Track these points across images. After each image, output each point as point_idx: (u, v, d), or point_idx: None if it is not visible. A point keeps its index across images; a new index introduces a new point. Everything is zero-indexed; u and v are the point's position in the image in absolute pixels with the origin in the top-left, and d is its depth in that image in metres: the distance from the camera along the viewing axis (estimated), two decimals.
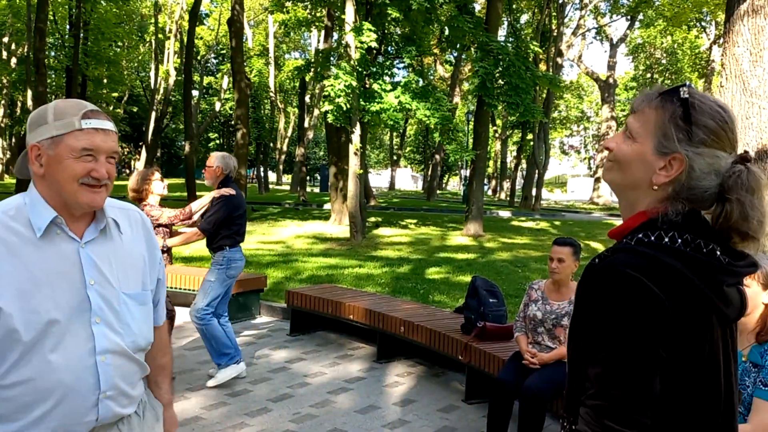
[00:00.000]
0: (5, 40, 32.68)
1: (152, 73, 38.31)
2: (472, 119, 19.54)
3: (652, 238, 1.19)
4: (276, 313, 7.26)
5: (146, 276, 1.67)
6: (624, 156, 1.26)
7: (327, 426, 4.18)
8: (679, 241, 1.18)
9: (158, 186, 4.86)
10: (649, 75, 46.83)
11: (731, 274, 1.19)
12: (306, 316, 6.49)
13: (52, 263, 1.49)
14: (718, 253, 1.18)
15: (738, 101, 7.97)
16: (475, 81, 15.06)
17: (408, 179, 71.07)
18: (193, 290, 7.07)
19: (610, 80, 38.78)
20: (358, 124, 13.46)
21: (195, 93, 45.55)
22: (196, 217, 5.00)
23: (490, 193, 51.31)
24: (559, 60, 31.57)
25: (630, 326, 1.12)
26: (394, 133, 53.65)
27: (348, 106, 13.03)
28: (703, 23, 35.25)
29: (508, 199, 38.58)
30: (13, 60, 31.61)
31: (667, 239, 1.18)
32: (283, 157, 48.45)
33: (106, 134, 1.54)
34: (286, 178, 55.67)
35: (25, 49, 29.30)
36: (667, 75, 45.88)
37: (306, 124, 30.03)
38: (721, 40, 8.08)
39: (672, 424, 1.16)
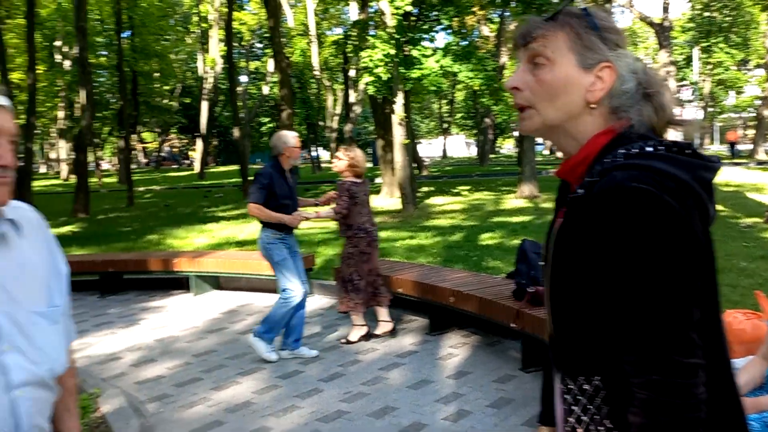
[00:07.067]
0: (57, 43, 33.73)
1: (199, 63, 38.86)
2: None
3: (635, 150, 1.04)
4: (328, 291, 7.20)
5: (53, 289, 1.30)
6: (549, 84, 1.10)
7: (378, 404, 4.07)
8: (662, 148, 1.03)
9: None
10: (707, 13, 44.29)
11: (711, 170, 1.07)
12: None
13: None
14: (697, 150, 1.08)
15: None
16: None
17: (461, 146, 70.11)
18: (248, 275, 7.10)
19: (665, 23, 36.85)
20: (400, 93, 13.17)
21: (244, 79, 46.08)
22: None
23: (546, 152, 50.04)
24: (608, 6, 30.15)
25: (666, 250, 0.96)
26: (443, 101, 52.78)
27: (388, 75, 12.76)
28: None
29: None
30: (67, 62, 32.65)
31: (650, 148, 1.03)
32: (334, 135, 48.49)
33: (3, 111, 1.19)
34: None
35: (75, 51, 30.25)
36: (726, 12, 43.29)
37: (352, 99, 29.84)
38: None
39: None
